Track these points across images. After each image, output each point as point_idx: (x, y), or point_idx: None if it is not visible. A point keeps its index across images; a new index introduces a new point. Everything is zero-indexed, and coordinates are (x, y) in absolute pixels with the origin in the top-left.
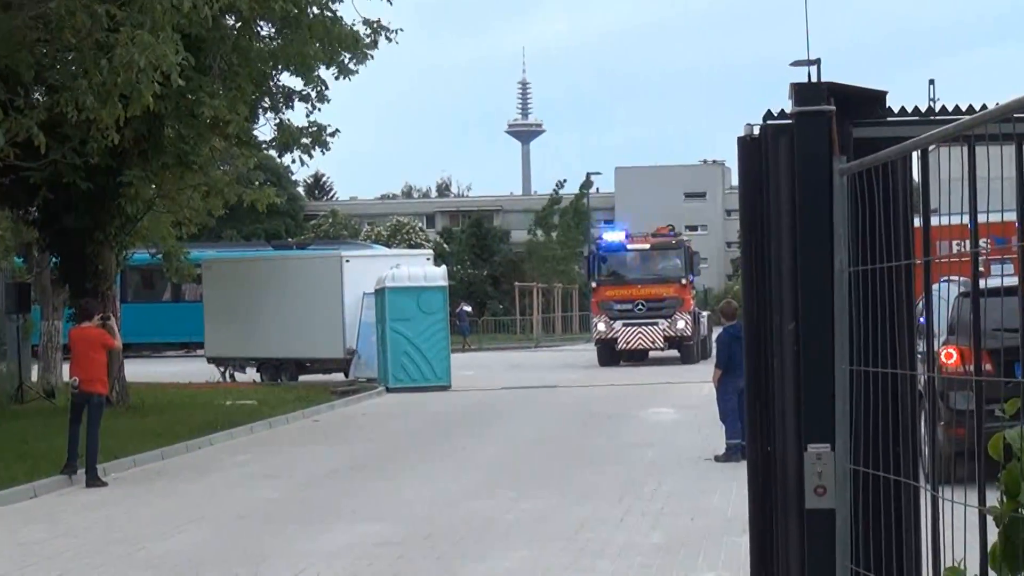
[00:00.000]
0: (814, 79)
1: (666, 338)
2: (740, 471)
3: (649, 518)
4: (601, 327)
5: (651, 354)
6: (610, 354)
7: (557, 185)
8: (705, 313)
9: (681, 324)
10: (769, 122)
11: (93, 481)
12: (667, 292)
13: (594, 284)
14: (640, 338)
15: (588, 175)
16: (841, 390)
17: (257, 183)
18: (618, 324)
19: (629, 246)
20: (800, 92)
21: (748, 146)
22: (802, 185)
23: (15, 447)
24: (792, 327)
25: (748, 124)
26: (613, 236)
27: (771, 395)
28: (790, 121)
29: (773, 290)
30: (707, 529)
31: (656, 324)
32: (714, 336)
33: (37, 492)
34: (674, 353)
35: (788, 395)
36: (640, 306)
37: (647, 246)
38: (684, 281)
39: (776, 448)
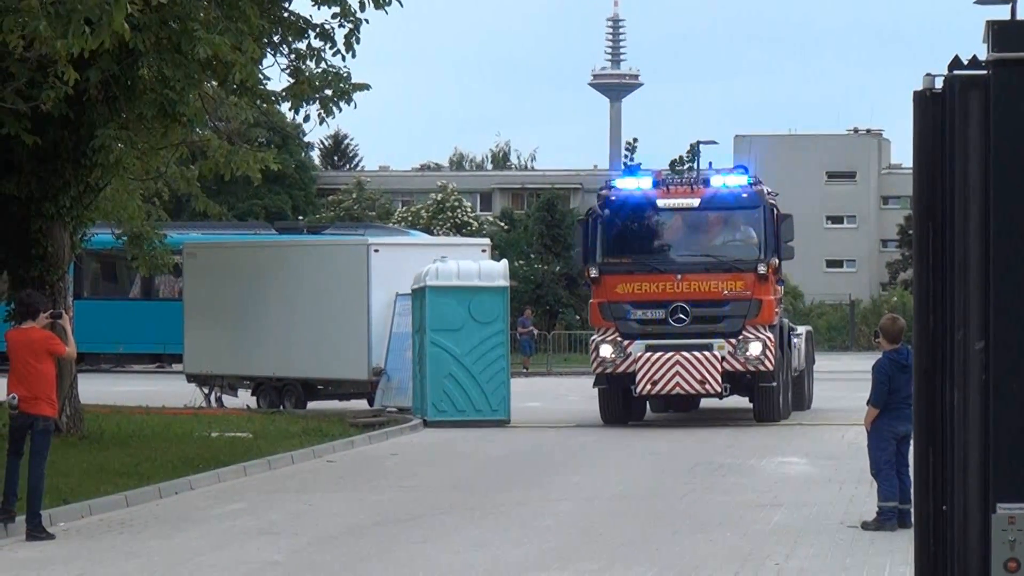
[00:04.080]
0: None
1: (726, 374)
2: (895, 543)
3: None
4: (606, 352)
5: (704, 401)
6: (621, 403)
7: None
8: (803, 330)
9: (755, 349)
10: (956, 72)
11: (35, 532)
12: (731, 288)
13: (594, 272)
14: (679, 374)
15: (697, 144)
16: None
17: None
18: (638, 347)
19: (661, 200)
20: (1000, 34)
21: (927, 103)
22: (999, 157)
23: None
24: (981, 347)
25: (928, 75)
26: (631, 183)
27: (948, 438)
28: (985, 72)
29: (956, 298)
30: None
31: (709, 349)
32: (868, 364)
33: None
34: (740, 402)
35: (972, 438)
36: (680, 313)
37: (694, 201)
38: (763, 268)
39: (954, 508)
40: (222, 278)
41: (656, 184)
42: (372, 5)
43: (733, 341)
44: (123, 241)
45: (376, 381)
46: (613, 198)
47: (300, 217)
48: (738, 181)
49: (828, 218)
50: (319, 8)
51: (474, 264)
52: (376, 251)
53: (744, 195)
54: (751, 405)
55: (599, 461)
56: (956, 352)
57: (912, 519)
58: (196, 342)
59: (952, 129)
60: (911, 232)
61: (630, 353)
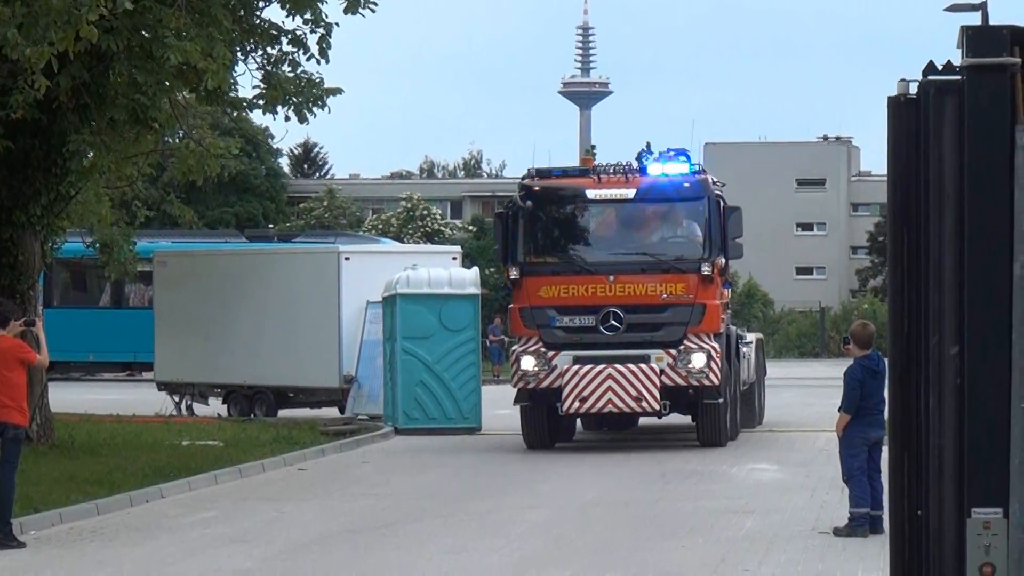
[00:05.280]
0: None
1: (666, 390)
2: (867, 549)
3: None
4: (528, 364)
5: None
6: (546, 423)
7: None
8: (752, 337)
9: (699, 361)
10: (931, 77)
11: (6, 540)
12: (671, 291)
13: (514, 273)
14: (612, 390)
15: (668, 152)
16: (1020, 436)
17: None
18: (564, 359)
19: (591, 191)
20: (974, 39)
21: (902, 109)
22: (973, 162)
23: None
24: (955, 352)
25: (903, 80)
26: (557, 172)
27: (923, 443)
28: (959, 76)
29: (931, 302)
30: None
31: (646, 361)
32: (839, 371)
33: None
34: (681, 420)
35: (947, 443)
36: (613, 320)
37: (629, 192)
38: (708, 269)
39: (929, 512)
40: (193, 286)
41: (585, 173)
42: (345, 11)
43: (673, 352)
44: (94, 249)
45: (347, 389)
46: (536, 188)
47: (271, 225)
48: (678, 169)
49: (798, 225)
50: (291, 16)
51: (445, 272)
52: (347, 259)
53: (685, 185)
54: (693, 424)
55: (570, 469)
56: (931, 357)
57: (884, 525)
58: (167, 350)
59: (927, 134)
60: (881, 239)
61: (555, 366)
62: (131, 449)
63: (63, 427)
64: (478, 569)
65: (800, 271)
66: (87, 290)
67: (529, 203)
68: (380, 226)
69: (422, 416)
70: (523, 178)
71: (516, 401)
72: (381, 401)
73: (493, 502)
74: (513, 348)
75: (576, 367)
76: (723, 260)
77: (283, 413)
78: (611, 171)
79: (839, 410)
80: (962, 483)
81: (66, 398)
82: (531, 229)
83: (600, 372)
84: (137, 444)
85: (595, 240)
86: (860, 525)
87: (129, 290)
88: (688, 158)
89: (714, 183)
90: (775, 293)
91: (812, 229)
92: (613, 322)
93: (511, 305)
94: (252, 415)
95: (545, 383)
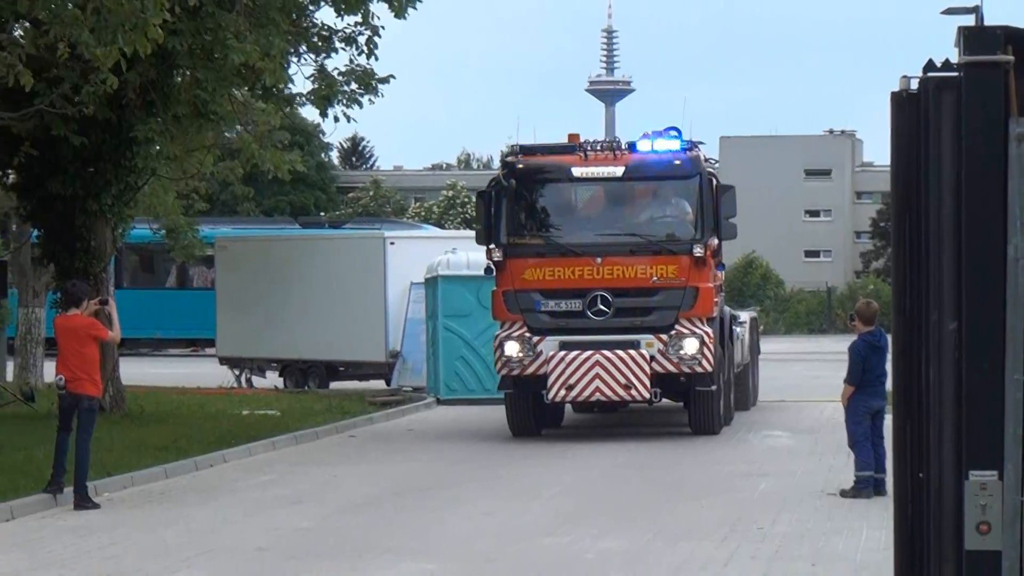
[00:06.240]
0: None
1: (656, 377)
2: (871, 509)
3: (760, 563)
4: (512, 350)
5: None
6: (532, 411)
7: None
8: (747, 316)
9: (691, 347)
10: (930, 74)
11: (82, 502)
12: (662, 274)
13: (497, 255)
14: (599, 377)
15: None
16: (1013, 405)
17: (280, 145)
18: (550, 344)
19: (577, 169)
20: (970, 38)
21: (904, 104)
22: (970, 152)
23: None
24: (953, 328)
25: (904, 76)
26: (542, 148)
27: (924, 411)
28: (956, 73)
29: (930, 282)
30: None
31: (636, 347)
32: (844, 346)
33: (14, 513)
34: (672, 405)
35: (946, 411)
36: (600, 304)
37: (618, 169)
38: (700, 250)
39: (929, 476)
40: (251, 269)
41: (572, 149)
42: (392, 14)
43: (664, 337)
44: (160, 235)
45: (393, 363)
46: (520, 166)
47: (322, 213)
48: (669, 146)
49: (806, 212)
50: (342, 17)
51: (482, 255)
52: (392, 244)
53: (676, 162)
54: (686, 410)
55: (600, 435)
56: (931, 332)
57: (887, 487)
58: (228, 328)
59: (927, 126)
60: (883, 224)
61: (540, 352)
62: (196, 418)
63: (133, 398)
64: (513, 527)
65: (808, 254)
66: (154, 272)
67: (512, 181)
68: (422, 213)
69: (462, 388)
70: (506, 155)
71: (500, 387)
72: (424, 374)
73: (527, 466)
74: (496, 333)
75: (562, 353)
76: (716, 241)
77: (334, 385)
78: (598, 148)
79: (844, 382)
80: (960, 448)
81: (135, 372)
82: (514, 209)
83: (587, 359)
84: (201, 414)
85: (582, 220)
86: (864, 487)
87: (193, 272)
88: (680, 134)
89: (707, 160)
90: (785, 274)
91: (819, 216)
92: (601, 306)
93: (493, 289)
94: (306, 387)
95: (530, 370)
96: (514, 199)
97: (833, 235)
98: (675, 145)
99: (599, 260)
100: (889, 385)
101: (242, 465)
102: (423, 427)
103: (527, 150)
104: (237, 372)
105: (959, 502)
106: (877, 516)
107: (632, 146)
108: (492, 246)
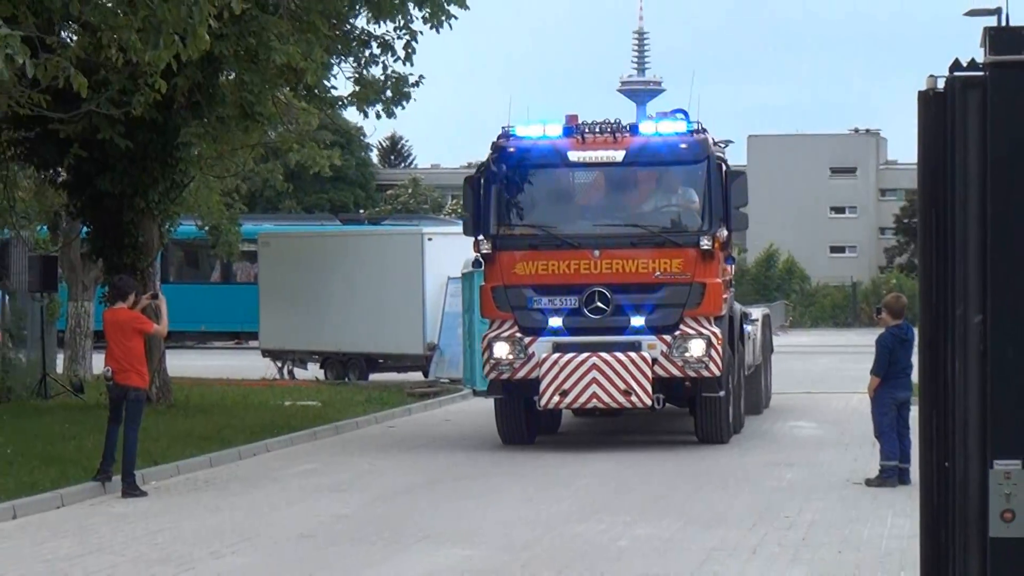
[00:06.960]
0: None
1: (659, 381)
2: (896, 498)
3: (788, 550)
4: (502, 351)
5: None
6: (523, 417)
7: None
8: (758, 313)
9: (697, 349)
10: (957, 74)
11: (130, 490)
12: (666, 268)
13: (485, 247)
14: (597, 382)
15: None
16: None
17: (323, 144)
18: (543, 345)
19: (574, 153)
20: (995, 38)
21: (931, 102)
22: (996, 149)
23: (39, 449)
24: (979, 321)
25: (931, 76)
26: (535, 131)
27: (950, 402)
28: (982, 73)
29: (957, 276)
30: (857, 564)
31: (637, 348)
32: (869, 339)
33: (65, 501)
34: (675, 410)
35: (972, 402)
36: (598, 301)
37: (618, 154)
38: (708, 243)
39: (955, 464)
40: (293, 264)
41: (568, 132)
42: (428, 25)
43: (668, 338)
44: (205, 232)
45: (430, 355)
46: (511, 149)
47: (361, 210)
48: (674, 128)
49: (832, 208)
50: (379, 24)
51: None
52: (429, 240)
53: (683, 146)
54: (691, 416)
55: (632, 425)
56: (957, 325)
57: (911, 477)
58: (270, 321)
59: (953, 125)
60: (906, 221)
61: (532, 353)
62: (239, 409)
63: (179, 389)
64: (547, 515)
65: (834, 249)
66: (199, 267)
67: (503, 167)
68: (459, 210)
69: None
70: (497, 138)
71: (489, 393)
72: (461, 366)
73: (560, 456)
74: (484, 333)
75: (556, 356)
76: (725, 232)
77: (373, 377)
78: (597, 130)
79: (871, 373)
80: (985, 437)
81: (181, 364)
82: (505, 197)
83: (584, 362)
84: (245, 404)
85: (579, 209)
86: (889, 476)
87: (236, 267)
88: (686, 116)
89: (715, 144)
90: (811, 269)
91: (844, 212)
92: (599, 303)
93: (482, 284)
94: (346, 379)
95: (521, 373)
96: (504, 186)
97: (858, 231)
98: (681, 127)
99: (597, 253)
100: (915, 377)
101: (284, 455)
102: (459, 418)
103: (518, 133)
104: (279, 364)
105: (984, 490)
106: (902, 504)
107: (634, 128)
108: (480, 237)
